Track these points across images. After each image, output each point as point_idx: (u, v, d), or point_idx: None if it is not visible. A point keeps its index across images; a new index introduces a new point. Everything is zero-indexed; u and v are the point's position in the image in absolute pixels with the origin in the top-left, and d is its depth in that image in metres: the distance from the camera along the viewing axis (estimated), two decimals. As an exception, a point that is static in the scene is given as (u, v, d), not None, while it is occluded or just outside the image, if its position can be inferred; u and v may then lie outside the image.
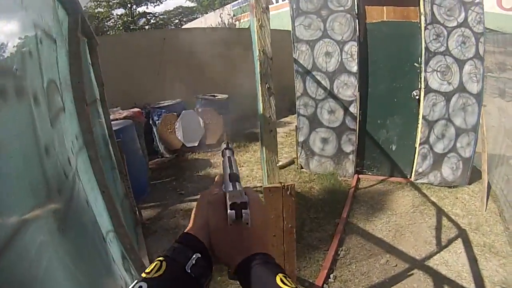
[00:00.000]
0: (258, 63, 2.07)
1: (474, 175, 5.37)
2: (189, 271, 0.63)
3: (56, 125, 1.47)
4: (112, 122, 4.52)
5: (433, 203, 4.92)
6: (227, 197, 0.71)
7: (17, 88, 1.03)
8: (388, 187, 5.57)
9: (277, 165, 2.11)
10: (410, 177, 5.66)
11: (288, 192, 2.01)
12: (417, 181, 5.54)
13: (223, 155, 0.95)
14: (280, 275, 0.61)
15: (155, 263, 0.63)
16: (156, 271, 0.61)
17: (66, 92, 1.84)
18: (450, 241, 4.09)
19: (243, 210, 0.69)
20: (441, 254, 3.89)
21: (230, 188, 0.75)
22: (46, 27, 1.59)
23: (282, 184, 2.01)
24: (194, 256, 0.65)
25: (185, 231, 0.72)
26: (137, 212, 4.68)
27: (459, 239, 4.11)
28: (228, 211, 0.69)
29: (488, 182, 4.87)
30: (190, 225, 0.74)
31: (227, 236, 0.69)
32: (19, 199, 0.93)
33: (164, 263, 0.63)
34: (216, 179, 0.87)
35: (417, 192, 5.30)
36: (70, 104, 1.90)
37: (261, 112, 2.12)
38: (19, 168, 0.97)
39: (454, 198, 5.03)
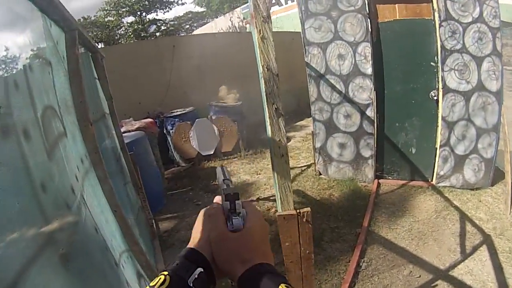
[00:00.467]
0: (263, 81, 1.88)
1: (496, 176, 5.19)
2: (191, 285, 0.66)
3: (55, 155, 1.38)
4: (124, 135, 4.50)
5: (456, 208, 4.76)
6: (222, 192, 0.78)
7: (2, 127, 0.94)
8: (409, 191, 5.41)
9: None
10: (432, 181, 5.50)
11: (304, 219, 1.89)
12: (439, 185, 5.37)
13: (218, 176, 0.95)
14: (283, 285, 0.63)
15: (159, 277, 0.65)
16: (160, 285, 0.64)
17: (66, 115, 1.76)
18: (474, 248, 3.94)
19: (236, 202, 0.76)
20: (465, 262, 3.74)
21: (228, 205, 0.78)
22: (37, 50, 1.51)
23: (298, 211, 1.89)
24: (196, 270, 0.67)
25: (187, 246, 0.75)
26: (154, 225, 4.63)
27: (484, 246, 3.96)
28: (223, 202, 0.77)
29: (512, 183, 4.69)
30: (192, 240, 0.77)
31: (227, 247, 0.72)
32: (16, 248, 0.86)
33: (168, 277, 0.65)
34: (215, 200, 0.88)
35: (439, 196, 5.13)
36: (72, 126, 1.82)
37: (270, 135, 1.95)
38: (12, 216, 0.89)
39: (477, 201, 4.86)
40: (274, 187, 2.16)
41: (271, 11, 2.08)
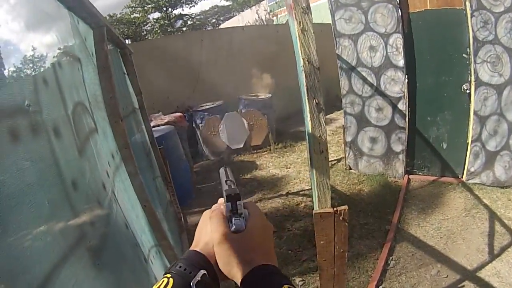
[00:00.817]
0: (303, 74, 1.78)
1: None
2: (195, 287, 0.65)
3: (86, 152, 1.39)
4: (154, 129, 4.54)
5: (486, 206, 4.64)
6: (224, 195, 0.77)
7: (32, 125, 0.93)
8: (439, 188, 5.30)
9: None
10: (462, 177, 5.36)
11: (341, 217, 1.83)
12: (469, 181, 5.23)
13: (220, 177, 0.94)
14: (286, 286, 0.63)
15: (162, 279, 0.66)
16: None
17: (97, 110, 1.76)
18: (502, 249, 3.84)
19: (237, 202, 0.74)
20: (493, 263, 3.65)
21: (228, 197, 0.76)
22: (64, 48, 1.51)
23: (335, 209, 1.83)
24: (199, 272, 0.67)
25: (190, 248, 0.76)
26: (182, 219, 4.66)
27: (512, 247, 3.88)
28: (225, 203, 0.76)
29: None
30: (195, 242, 0.77)
31: (229, 248, 0.71)
32: (47, 246, 0.87)
33: (171, 280, 0.65)
34: (218, 201, 0.88)
35: (469, 193, 5.01)
36: (103, 122, 1.82)
37: (310, 131, 1.86)
38: (43, 214, 0.90)
39: (507, 200, 4.71)
40: (311, 184, 2.11)
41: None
